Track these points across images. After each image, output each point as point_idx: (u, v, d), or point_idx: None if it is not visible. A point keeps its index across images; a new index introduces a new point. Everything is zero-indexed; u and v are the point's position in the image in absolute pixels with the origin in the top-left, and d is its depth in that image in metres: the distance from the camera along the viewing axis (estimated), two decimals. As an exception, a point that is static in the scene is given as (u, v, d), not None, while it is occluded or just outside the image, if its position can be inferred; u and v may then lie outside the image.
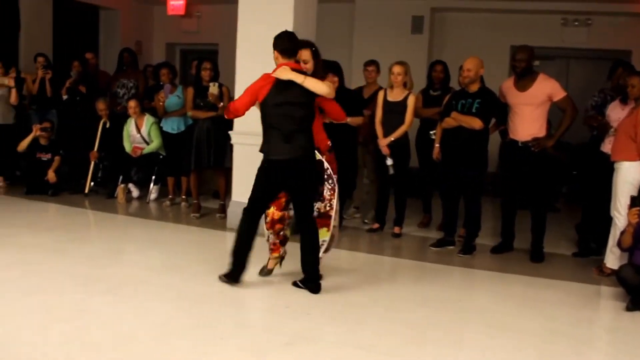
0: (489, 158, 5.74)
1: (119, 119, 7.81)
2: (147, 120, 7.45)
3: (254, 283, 4.63)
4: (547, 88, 5.44)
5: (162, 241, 5.84)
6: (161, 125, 7.39)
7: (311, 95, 4.19)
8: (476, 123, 5.44)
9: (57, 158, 7.71)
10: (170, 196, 7.43)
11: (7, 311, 3.86)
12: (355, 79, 7.13)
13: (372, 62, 6.78)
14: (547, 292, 4.76)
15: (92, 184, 7.77)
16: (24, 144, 7.70)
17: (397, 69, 5.98)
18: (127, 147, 7.51)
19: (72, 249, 5.36)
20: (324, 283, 4.52)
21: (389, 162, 5.99)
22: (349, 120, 5.95)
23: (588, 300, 4.69)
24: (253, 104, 4.31)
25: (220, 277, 4.47)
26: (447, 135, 5.70)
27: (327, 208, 4.51)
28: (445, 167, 5.76)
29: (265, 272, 4.73)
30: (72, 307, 3.99)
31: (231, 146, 6.36)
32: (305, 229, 4.41)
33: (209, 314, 4.01)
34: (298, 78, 4.13)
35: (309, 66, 4.35)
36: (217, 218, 6.72)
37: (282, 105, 4.16)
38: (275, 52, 4.27)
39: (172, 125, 7.26)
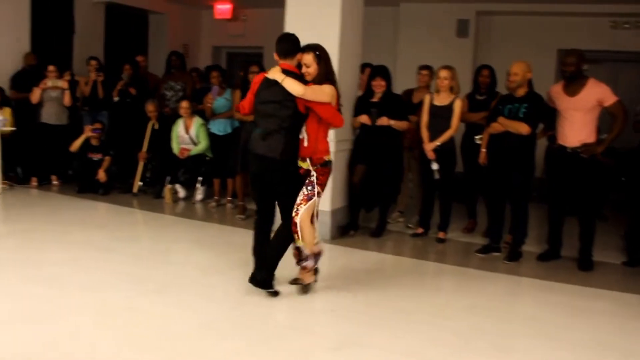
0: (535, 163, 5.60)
1: (167, 121, 7.89)
2: (196, 121, 7.50)
3: (292, 286, 4.60)
4: (597, 93, 5.26)
5: (207, 242, 5.86)
6: (209, 127, 7.44)
7: (291, 95, 4.07)
8: (523, 128, 5.31)
9: (107, 158, 7.83)
10: (216, 197, 7.46)
11: (59, 307, 3.91)
12: (399, 84, 7.04)
13: (427, 67, 6.67)
14: (596, 302, 4.60)
15: (140, 184, 7.89)
16: (76, 144, 7.84)
17: (443, 73, 5.88)
18: (175, 148, 7.57)
19: (120, 247, 5.42)
20: (368, 288, 4.46)
21: (435, 166, 5.90)
22: (392, 123, 5.93)
23: (639, 311, 4.51)
24: (252, 103, 4.31)
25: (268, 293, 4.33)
26: (494, 140, 5.58)
27: (293, 213, 4.25)
28: (492, 172, 5.64)
29: (298, 282, 4.59)
30: (121, 304, 4.02)
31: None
32: (280, 226, 4.39)
33: (255, 315, 4.00)
34: (278, 77, 4.08)
35: (311, 70, 4.20)
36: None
37: (264, 103, 4.16)
38: (275, 53, 4.24)
39: (219, 127, 7.30)
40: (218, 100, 7.21)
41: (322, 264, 5.39)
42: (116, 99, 8.28)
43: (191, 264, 5.10)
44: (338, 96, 4.33)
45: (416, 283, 4.90)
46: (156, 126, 7.84)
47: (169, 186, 7.56)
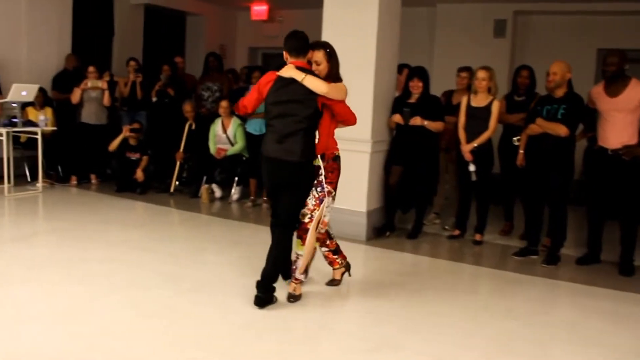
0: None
1: (204, 121, 7.96)
2: (234, 121, 7.56)
3: (335, 287, 4.59)
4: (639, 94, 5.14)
5: (243, 242, 5.89)
6: (245, 126, 7.47)
7: (312, 94, 3.91)
8: (561, 130, 5.21)
9: (145, 158, 7.93)
10: (252, 197, 7.49)
11: (97, 306, 3.97)
12: (435, 85, 6.96)
13: (466, 69, 6.60)
14: (637, 308, 4.49)
15: (177, 183, 7.98)
16: (114, 144, 7.96)
17: (481, 74, 5.81)
18: (212, 148, 7.63)
19: (158, 246, 5.48)
20: (404, 290, 4.43)
21: (472, 168, 5.84)
22: (425, 123, 5.89)
23: (683, 318, 4.39)
24: (260, 101, 4.11)
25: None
26: (532, 142, 5.49)
27: (307, 220, 4.12)
28: (529, 174, 5.55)
29: (333, 283, 4.64)
30: (159, 304, 4.06)
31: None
32: (277, 235, 4.11)
33: (292, 316, 4.00)
34: (298, 75, 3.89)
35: (322, 67, 4.10)
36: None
37: (281, 103, 3.95)
38: (284, 51, 4.04)
39: (255, 127, 7.34)
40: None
41: (358, 265, 5.42)
42: (154, 99, 8.39)
43: (228, 264, 5.13)
44: None
45: (452, 286, 4.85)
46: (193, 126, 7.91)
47: (205, 186, 7.62)
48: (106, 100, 8.25)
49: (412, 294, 4.52)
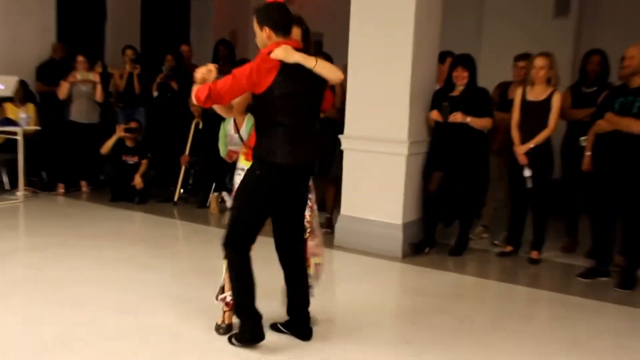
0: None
1: (213, 119, 7.98)
2: (249, 119, 7.51)
3: (361, 312, 4.59)
4: None
5: (260, 258, 5.81)
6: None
7: (322, 82, 3.72)
8: (636, 126, 5.15)
9: (144, 162, 8.00)
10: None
11: (93, 333, 3.99)
12: (483, 76, 6.91)
13: (525, 57, 6.47)
14: None
15: (182, 191, 8.03)
16: (107, 146, 8.03)
17: (539, 61, 5.77)
18: (222, 150, 7.58)
19: (160, 265, 5.51)
20: (447, 317, 4.41)
21: (527, 173, 5.80)
22: (468, 120, 5.87)
23: None
24: (243, 92, 3.76)
25: (231, 341, 3.94)
26: (601, 141, 5.44)
27: (307, 232, 4.04)
28: (598, 180, 5.50)
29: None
30: (163, 330, 4.09)
31: (341, 152, 6.36)
32: (294, 258, 4.07)
33: (320, 348, 3.98)
34: (309, 61, 3.60)
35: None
36: (323, 233, 6.70)
37: (292, 95, 3.64)
38: (266, 27, 3.62)
39: (274, 125, 7.34)
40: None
41: (392, 287, 5.42)
42: (155, 93, 8.45)
43: (240, 284, 5.14)
44: None
45: (504, 312, 4.81)
46: (200, 125, 7.97)
47: (214, 194, 7.67)
48: (98, 95, 8.33)
49: (457, 321, 4.48)
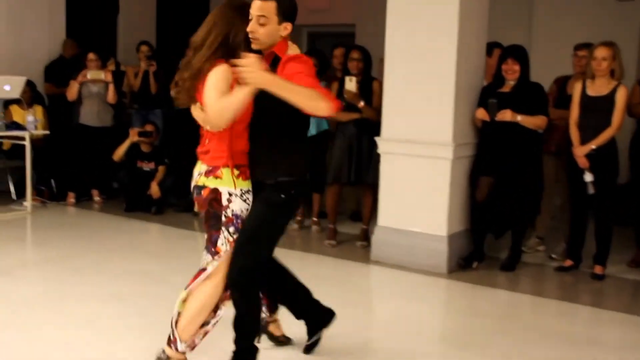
0: None
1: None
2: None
3: (405, 335, 4.53)
4: None
5: (288, 275, 5.87)
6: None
7: None
8: None
9: (161, 168, 8.04)
10: (298, 218, 7.51)
11: (105, 352, 4.01)
12: (538, 69, 6.83)
13: (587, 46, 6.34)
14: None
15: (202, 200, 8.02)
16: (120, 152, 8.08)
17: (601, 52, 5.69)
18: (247, 155, 7.66)
19: (179, 280, 5.42)
20: (500, 339, 4.34)
21: (588, 178, 5.72)
22: (519, 119, 5.85)
23: None
24: None
25: None
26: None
27: (210, 268, 3.65)
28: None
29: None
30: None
31: (377, 157, 6.33)
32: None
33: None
34: None
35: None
36: (358, 247, 6.72)
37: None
38: (289, 25, 3.45)
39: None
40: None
41: (438, 304, 5.37)
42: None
43: (268, 303, 5.13)
44: None
45: (564, 334, 4.72)
46: (221, 128, 7.97)
47: (237, 203, 7.65)
48: (111, 96, 8.37)
49: (511, 343, 4.42)
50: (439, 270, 5.93)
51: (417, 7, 5.90)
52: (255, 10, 3.35)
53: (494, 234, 6.36)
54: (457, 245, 6.09)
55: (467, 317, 5.02)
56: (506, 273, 6.06)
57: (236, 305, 3.65)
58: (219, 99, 3.28)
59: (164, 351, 3.66)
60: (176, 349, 3.62)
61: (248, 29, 3.37)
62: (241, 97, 3.21)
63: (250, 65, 3.14)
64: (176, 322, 3.64)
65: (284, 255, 6.37)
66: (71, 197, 8.42)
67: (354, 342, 4.37)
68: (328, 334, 4.37)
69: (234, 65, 3.24)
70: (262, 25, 3.35)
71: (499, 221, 6.20)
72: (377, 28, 6.27)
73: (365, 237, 6.75)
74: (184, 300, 3.67)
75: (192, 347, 3.69)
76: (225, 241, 3.54)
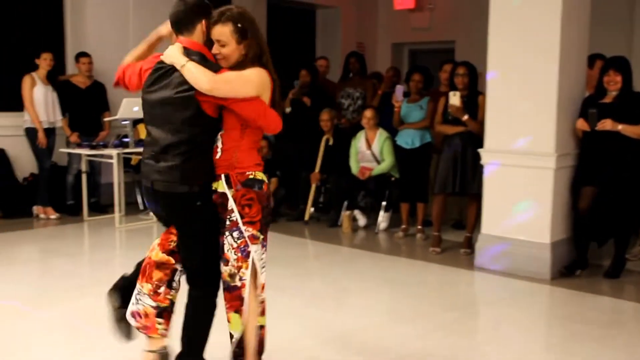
0: None
1: (344, 135, 8.04)
2: (380, 134, 7.59)
3: (508, 341, 4.43)
4: None
5: (395, 280, 5.86)
6: (395, 139, 7.50)
7: (190, 88, 3.20)
8: None
9: (273, 180, 8.13)
10: (403, 226, 7.48)
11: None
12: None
13: None
14: None
15: (312, 210, 8.11)
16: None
17: None
18: (354, 167, 7.70)
19: (292, 285, 5.56)
20: (605, 347, 4.19)
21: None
22: (619, 128, 5.65)
23: None
24: (138, 86, 3.50)
25: None
26: None
27: (237, 282, 3.36)
28: None
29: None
30: (300, 356, 4.11)
31: (481, 167, 6.25)
32: (191, 297, 3.48)
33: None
34: (177, 60, 3.23)
35: (228, 51, 3.30)
36: (462, 254, 6.63)
37: (155, 102, 3.33)
38: (205, 20, 3.33)
39: (407, 139, 7.31)
40: (408, 107, 7.27)
41: (541, 311, 5.23)
42: (288, 109, 8.55)
43: (378, 307, 5.14)
44: (274, 87, 3.39)
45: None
46: (330, 141, 8.02)
47: (347, 213, 7.70)
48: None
49: (619, 353, 4.24)
50: (542, 277, 5.78)
51: (518, 24, 5.79)
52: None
53: (597, 242, 6.15)
54: (559, 253, 5.92)
55: (572, 323, 4.84)
56: (610, 280, 5.84)
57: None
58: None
59: None
60: None
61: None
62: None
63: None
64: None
65: (391, 262, 6.46)
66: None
67: (460, 346, 4.31)
68: (435, 338, 4.35)
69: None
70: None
71: (602, 229, 6.00)
72: (475, 44, 6.17)
73: (469, 244, 6.66)
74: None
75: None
76: (230, 247, 3.32)
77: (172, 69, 3.23)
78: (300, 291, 5.43)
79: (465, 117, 6.37)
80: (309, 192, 8.08)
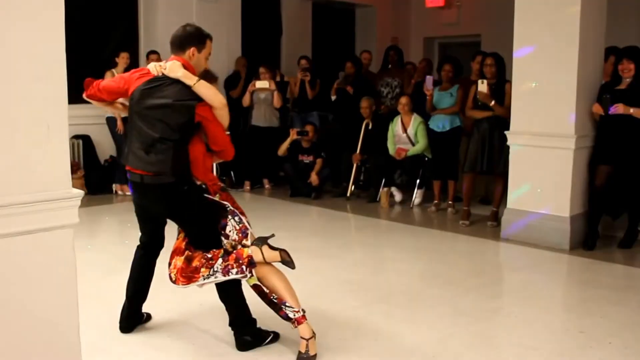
0: None
1: (382, 121, 8.06)
2: (415, 119, 7.59)
3: (531, 302, 4.44)
4: None
5: (428, 249, 5.88)
6: (428, 123, 7.49)
7: (191, 99, 3.44)
8: None
9: (319, 160, 8.19)
10: (435, 201, 7.49)
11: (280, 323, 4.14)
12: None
13: None
14: None
15: (353, 187, 8.15)
16: (282, 148, 8.31)
17: None
18: (391, 149, 7.72)
19: (338, 254, 5.63)
20: (623, 307, 4.15)
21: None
22: (631, 111, 5.61)
23: None
24: (119, 94, 3.61)
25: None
26: None
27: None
28: None
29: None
30: (346, 314, 4.18)
31: (507, 149, 6.21)
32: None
33: (490, 333, 3.94)
34: (189, 79, 3.45)
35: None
36: (489, 226, 6.62)
37: (150, 108, 3.46)
38: (194, 48, 3.59)
39: (439, 123, 7.30)
40: (440, 94, 7.26)
41: (561, 278, 5.22)
42: (334, 97, 8.60)
43: (413, 273, 5.18)
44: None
45: None
46: (370, 126, 8.05)
47: (384, 189, 7.72)
48: (276, 101, 8.57)
49: (632, 313, 4.23)
50: (562, 247, 5.75)
51: (542, 18, 5.73)
52: None
53: (612, 215, 6.09)
54: (577, 225, 5.88)
55: (588, 287, 4.83)
56: (623, 250, 5.79)
57: None
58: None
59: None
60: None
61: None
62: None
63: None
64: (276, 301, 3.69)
65: (423, 233, 6.48)
66: (247, 185, 8.75)
67: (486, 307, 4.34)
68: (466, 300, 4.38)
69: None
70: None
71: (616, 204, 5.93)
72: (499, 37, 6.12)
73: (495, 218, 6.64)
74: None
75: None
76: (232, 228, 3.69)
77: (169, 81, 3.45)
78: (343, 259, 5.49)
79: (492, 102, 6.35)
80: (351, 171, 8.12)
